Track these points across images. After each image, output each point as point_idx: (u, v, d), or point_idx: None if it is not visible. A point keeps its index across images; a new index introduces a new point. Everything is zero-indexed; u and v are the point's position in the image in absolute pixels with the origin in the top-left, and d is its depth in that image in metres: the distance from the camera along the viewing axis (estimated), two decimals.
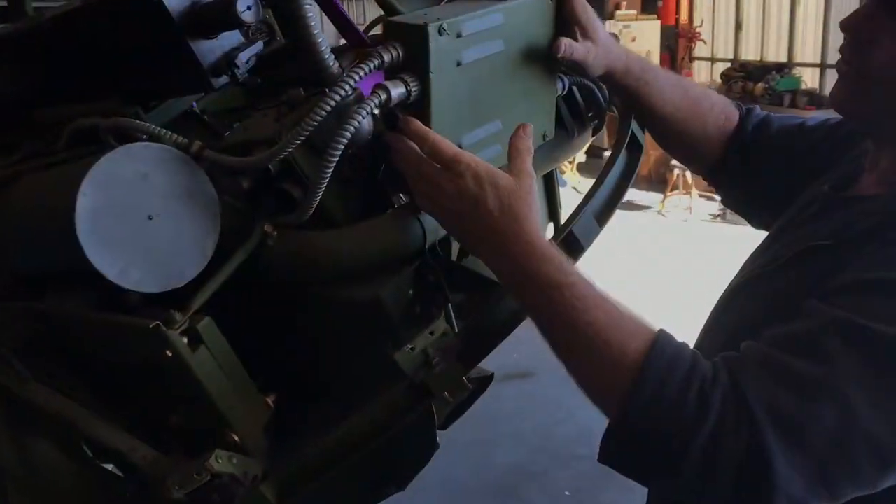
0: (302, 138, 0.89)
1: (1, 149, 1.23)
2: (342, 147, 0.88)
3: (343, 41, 1.19)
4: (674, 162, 7.71)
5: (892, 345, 0.78)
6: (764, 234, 1.21)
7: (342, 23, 1.15)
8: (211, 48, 0.98)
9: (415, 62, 0.94)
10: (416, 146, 0.94)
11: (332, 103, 0.88)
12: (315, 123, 0.88)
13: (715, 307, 1.14)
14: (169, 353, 0.91)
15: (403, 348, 0.96)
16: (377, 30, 1.37)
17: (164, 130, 0.96)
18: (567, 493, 3.68)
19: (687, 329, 1.00)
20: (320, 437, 0.97)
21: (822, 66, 8.77)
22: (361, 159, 1.01)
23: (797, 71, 9.04)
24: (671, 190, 8.19)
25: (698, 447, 0.78)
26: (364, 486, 1.09)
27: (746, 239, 1.33)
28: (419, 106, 0.95)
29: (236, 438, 0.96)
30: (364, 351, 1.07)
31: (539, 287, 0.88)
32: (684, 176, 7.93)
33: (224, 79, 0.99)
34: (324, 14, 1.14)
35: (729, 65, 9.95)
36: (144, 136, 0.97)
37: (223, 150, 0.98)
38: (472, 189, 0.91)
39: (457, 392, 0.94)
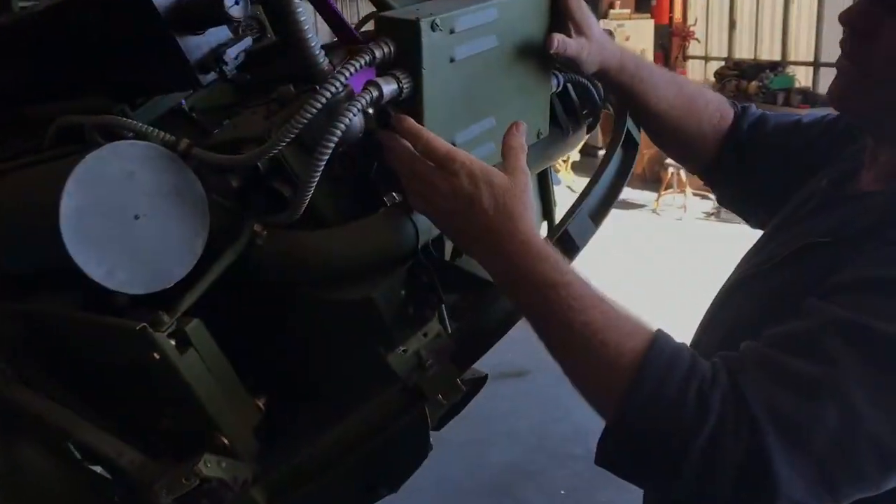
0: (291, 136, 0.88)
1: None
2: (332, 145, 0.87)
3: (336, 39, 1.18)
4: (668, 161, 7.73)
5: (894, 344, 0.77)
6: (759, 232, 1.20)
7: (336, 22, 1.14)
8: (198, 44, 0.96)
9: (407, 58, 0.92)
10: (408, 144, 0.93)
11: (323, 100, 0.87)
12: (305, 121, 0.87)
13: (711, 305, 1.13)
14: (156, 356, 0.89)
15: (396, 350, 0.94)
16: (370, 26, 1.36)
17: (151, 128, 0.95)
18: (563, 492, 3.68)
19: (682, 328, 1.00)
20: (311, 441, 0.96)
21: (816, 65, 8.80)
22: (353, 157, 1.00)
23: (791, 69, 9.06)
24: (665, 189, 8.22)
25: (698, 448, 0.77)
26: (356, 489, 1.08)
27: (741, 237, 1.32)
28: (412, 103, 0.94)
29: (226, 442, 0.95)
30: (356, 353, 1.06)
31: (534, 286, 0.87)
32: (678, 175, 7.96)
33: (212, 75, 0.98)
34: (318, 14, 1.14)
35: (723, 63, 9.97)
36: (131, 134, 0.96)
37: (211, 148, 0.96)
38: (466, 188, 0.90)
39: (450, 394, 0.92)
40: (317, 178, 0.89)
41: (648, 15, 10.41)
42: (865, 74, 0.93)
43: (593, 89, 1.32)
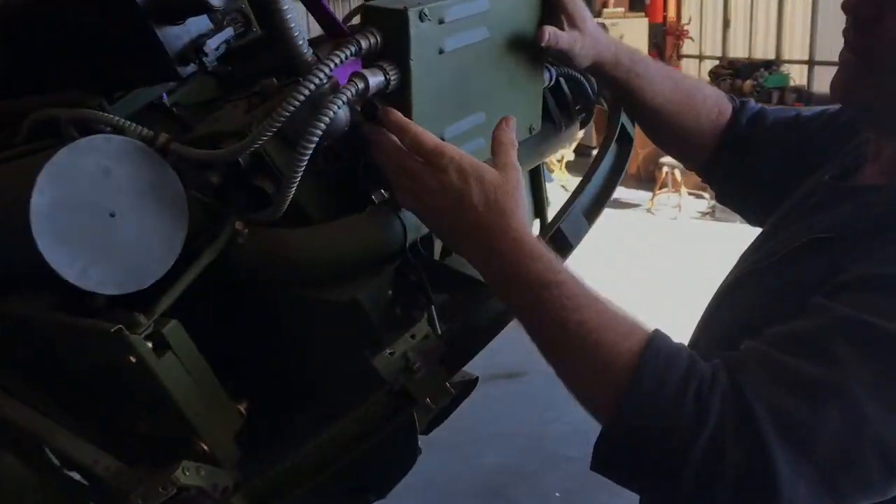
0: (273, 130, 0.86)
1: None
2: (316, 139, 0.85)
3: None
4: (663, 160, 7.77)
5: None
6: (754, 230, 1.18)
7: (327, 21, 1.12)
8: (177, 34, 0.94)
9: (394, 49, 0.90)
10: (396, 138, 0.91)
11: (306, 92, 0.85)
12: (287, 114, 0.85)
13: (709, 304, 1.11)
14: (132, 359, 0.87)
15: (383, 353, 0.92)
16: (358, 20, 1.34)
17: (129, 122, 0.93)
18: (557, 494, 3.66)
19: (678, 328, 0.98)
20: (295, 447, 0.94)
21: (811, 63, 8.85)
22: (338, 152, 0.97)
23: (785, 68, 9.12)
24: (660, 188, 8.25)
25: (698, 450, 0.75)
26: (342, 497, 1.06)
27: (737, 236, 1.31)
28: (399, 96, 0.92)
29: (205, 448, 0.92)
30: (341, 356, 1.04)
31: (527, 285, 0.85)
32: (673, 174, 8.00)
33: (192, 67, 0.96)
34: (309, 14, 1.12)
35: (717, 62, 10.01)
36: (108, 128, 0.93)
37: (191, 142, 0.94)
38: (455, 183, 0.88)
39: (439, 398, 0.91)
40: (300, 174, 0.87)
41: (642, 13, 10.45)
42: (869, 65, 0.90)
43: (587, 84, 1.30)
